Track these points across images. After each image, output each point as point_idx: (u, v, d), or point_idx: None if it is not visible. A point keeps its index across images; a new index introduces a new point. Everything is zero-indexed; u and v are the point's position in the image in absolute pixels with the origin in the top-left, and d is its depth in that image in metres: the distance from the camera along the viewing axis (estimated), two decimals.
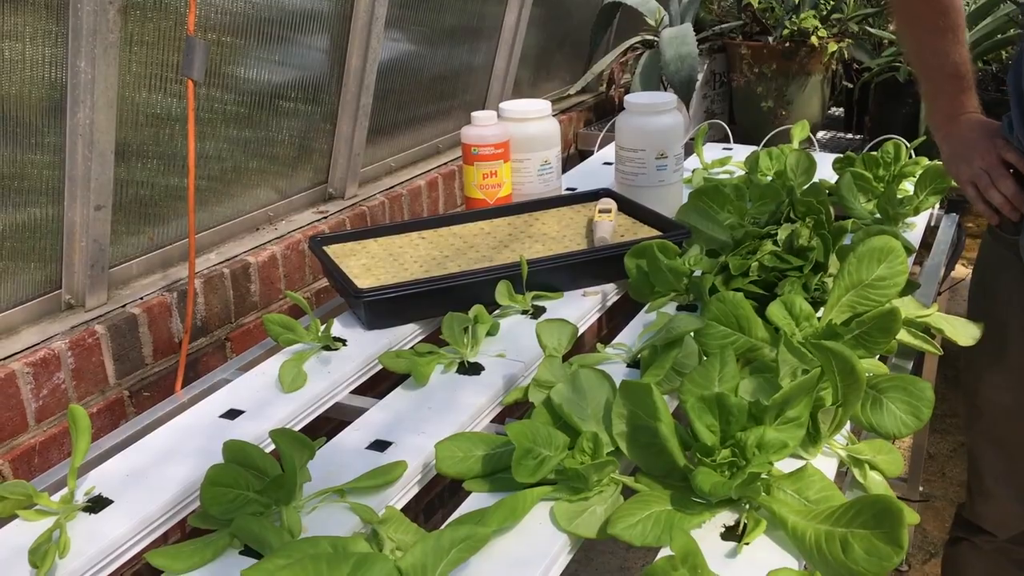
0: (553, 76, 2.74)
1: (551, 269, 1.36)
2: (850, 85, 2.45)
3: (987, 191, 1.27)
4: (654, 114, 1.67)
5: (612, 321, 2.17)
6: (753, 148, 2.13)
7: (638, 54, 2.53)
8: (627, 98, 1.70)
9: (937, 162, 1.83)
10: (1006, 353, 1.31)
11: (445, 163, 2.10)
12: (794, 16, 2.22)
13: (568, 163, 2.51)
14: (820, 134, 2.55)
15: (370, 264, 1.41)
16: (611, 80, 2.61)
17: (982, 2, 2.25)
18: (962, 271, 3.90)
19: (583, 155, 2.57)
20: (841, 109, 2.67)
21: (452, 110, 2.21)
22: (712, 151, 2.15)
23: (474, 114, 1.60)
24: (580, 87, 2.68)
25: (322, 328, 1.24)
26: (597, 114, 2.76)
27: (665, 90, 2.41)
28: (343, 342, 1.25)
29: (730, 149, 2.16)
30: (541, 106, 1.68)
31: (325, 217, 1.75)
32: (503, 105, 1.68)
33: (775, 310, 1.11)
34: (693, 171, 1.95)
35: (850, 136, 2.53)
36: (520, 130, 1.65)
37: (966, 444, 1.52)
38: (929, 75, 1.34)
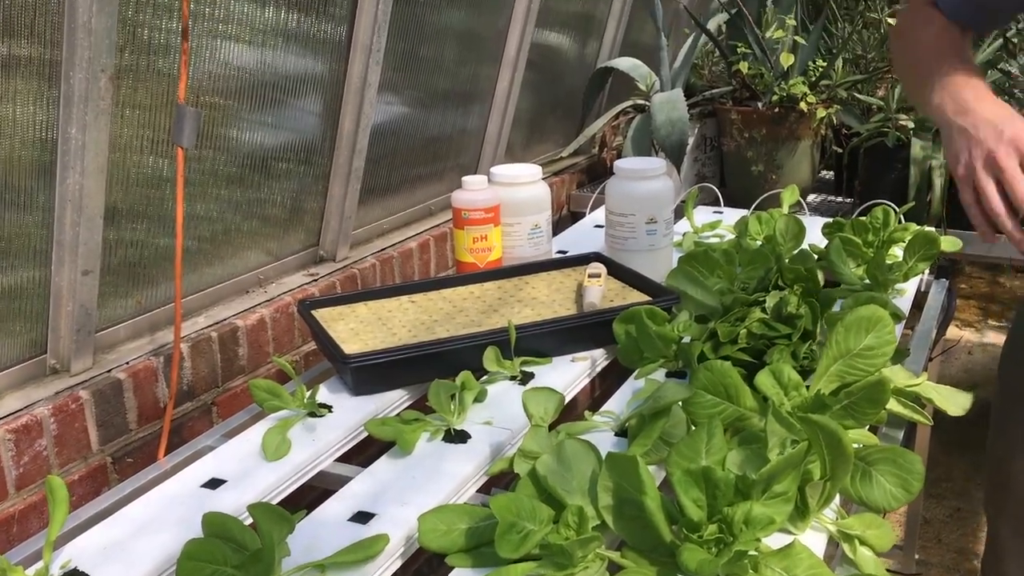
0: (546, 138, 2.77)
1: (540, 334, 1.36)
2: (839, 150, 2.47)
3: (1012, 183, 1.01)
4: (644, 179, 1.68)
5: (606, 382, 2.16)
6: (743, 212, 2.15)
7: (630, 118, 2.56)
8: (617, 163, 1.71)
9: (927, 228, 1.84)
10: None
11: (437, 225, 2.11)
12: (783, 82, 2.26)
13: (561, 224, 2.52)
14: (811, 197, 2.57)
15: (358, 328, 1.40)
16: (603, 143, 2.64)
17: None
18: (955, 332, 3.90)
19: (575, 217, 2.58)
20: (832, 172, 2.69)
21: (445, 172, 2.23)
22: (703, 214, 2.16)
23: (465, 179, 1.61)
24: (572, 150, 2.70)
25: (308, 394, 1.23)
26: (590, 176, 2.78)
27: (656, 154, 2.43)
28: (329, 408, 1.24)
29: (721, 213, 2.18)
30: (531, 171, 1.70)
31: (315, 280, 1.75)
32: (494, 170, 1.70)
33: (763, 379, 1.11)
34: (684, 235, 1.96)
35: (840, 200, 2.55)
36: (511, 194, 1.66)
37: (989, 528, 1.40)
38: (938, 79, 1.16)
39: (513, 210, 1.67)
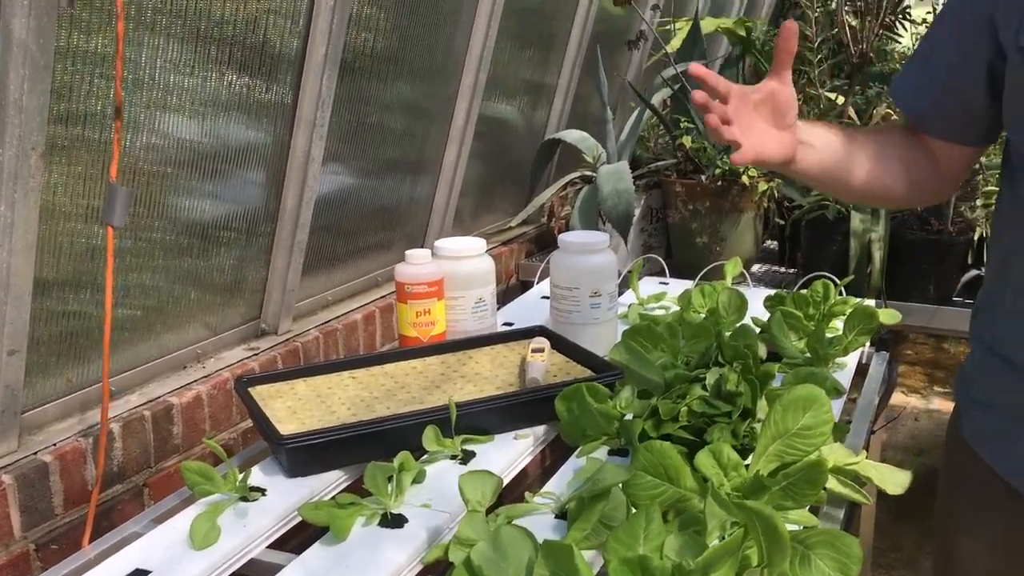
0: (495, 208, 2.78)
1: (482, 412, 1.34)
2: (781, 222, 2.52)
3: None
4: (588, 253, 1.69)
5: (555, 454, 2.14)
6: (689, 283, 2.16)
7: (577, 188, 2.59)
8: (561, 237, 1.72)
9: (867, 301, 1.87)
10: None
11: (383, 296, 2.09)
12: (725, 156, 2.30)
13: (510, 294, 2.52)
14: (755, 267, 2.60)
15: (296, 407, 1.37)
16: (551, 213, 2.66)
17: None
18: (902, 399, 3.96)
19: (525, 286, 2.59)
20: (776, 243, 2.73)
21: (392, 242, 2.22)
22: (649, 285, 2.18)
23: (408, 252, 1.60)
24: (521, 219, 2.72)
25: (240, 477, 1.19)
26: (539, 245, 2.79)
27: (603, 224, 2.46)
28: (262, 491, 1.20)
29: (666, 284, 2.19)
30: (476, 244, 1.70)
31: (256, 354, 1.72)
32: (438, 243, 1.69)
33: (703, 459, 1.10)
34: (629, 306, 1.96)
35: (784, 270, 2.59)
36: (455, 268, 1.66)
37: None
38: None
39: (457, 284, 1.66)
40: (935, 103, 1.20)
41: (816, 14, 2.77)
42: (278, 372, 1.50)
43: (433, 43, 2.13)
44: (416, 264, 1.59)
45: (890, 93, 1.30)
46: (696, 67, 1.09)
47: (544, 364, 1.47)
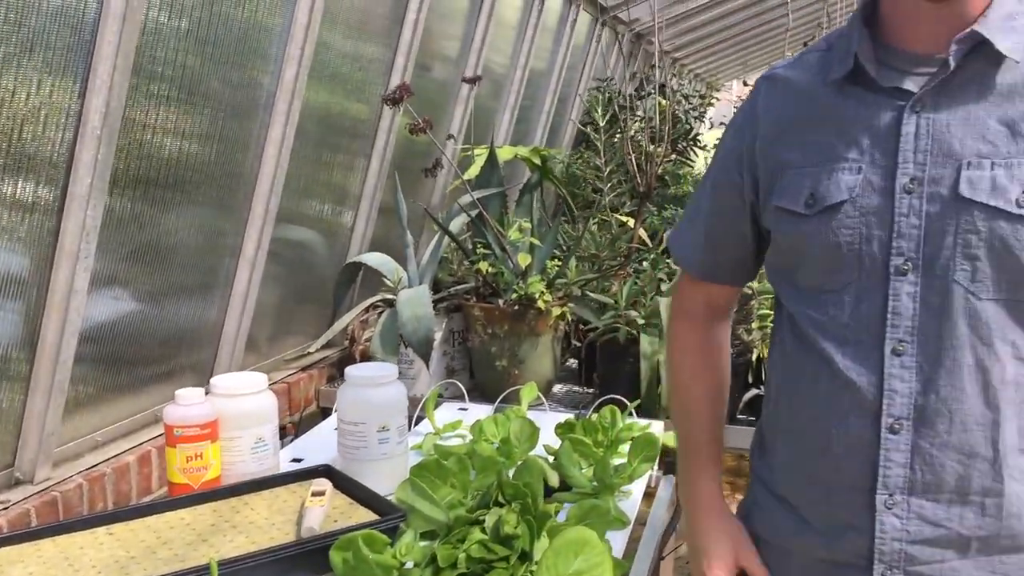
0: (296, 331, 2.70)
1: (249, 568, 1.24)
2: (578, 344, 2.58)
3: None
4: (375, 386, 1.64)
5: None
6: (489, 407, 2.16)
7: (379, 311, 2.56)
8: (347, 370, 1.68)
9: (652, 426, 1.92)
10: None
11: (163, 434, 1.95)
12: (521, 281, 2.34)
13: (309, 422, 2.43)
14: (557, 388, 2.63)
15: (37, 574, 1.23)
16: (353, 338, 2.61)
17: None
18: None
19: (325, 413, 2.50)
20: (577, 362, 2.79)
21: (175, 374, 2.10)
22: (448, 411, 2.15)
23: (178, 392, 1.50)
24: (322, 343, 2.65)
25: None
26: (341, 370, 2.71)
27: (405, 348, 2.43)
28: None
29: (466, 409, 2.17)
30: (256, 380, 1.62)
31: (6, 508, 1.55)
32: (213, 381, 1.60)
33: None
34: (425, 436, 1.92)
35: (584, 390, 2.63)
36: (232, 406, 1.57)
37: None
38: (690, 448, 1.33)
39: (234, 423, 1.57)
40: (708, 255, 1.29)
41: (608, 144, 2.93)
42: (22, 532, 1.35)
43: (220, 168, 2.07)
44: (186, 405, 1.50)
45: (668, 245, 1.38)
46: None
47: (323, 510, 1.40)
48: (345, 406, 1.65)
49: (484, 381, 2.49)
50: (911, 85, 1.06)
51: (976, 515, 1.05)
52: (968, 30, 1.02)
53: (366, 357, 2.52)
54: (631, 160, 2.64)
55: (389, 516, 1.38)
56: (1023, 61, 1.02)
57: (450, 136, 2.75)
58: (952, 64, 1.03)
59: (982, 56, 1.03)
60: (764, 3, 6.59)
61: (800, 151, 1.13)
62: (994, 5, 1.04)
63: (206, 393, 1.55)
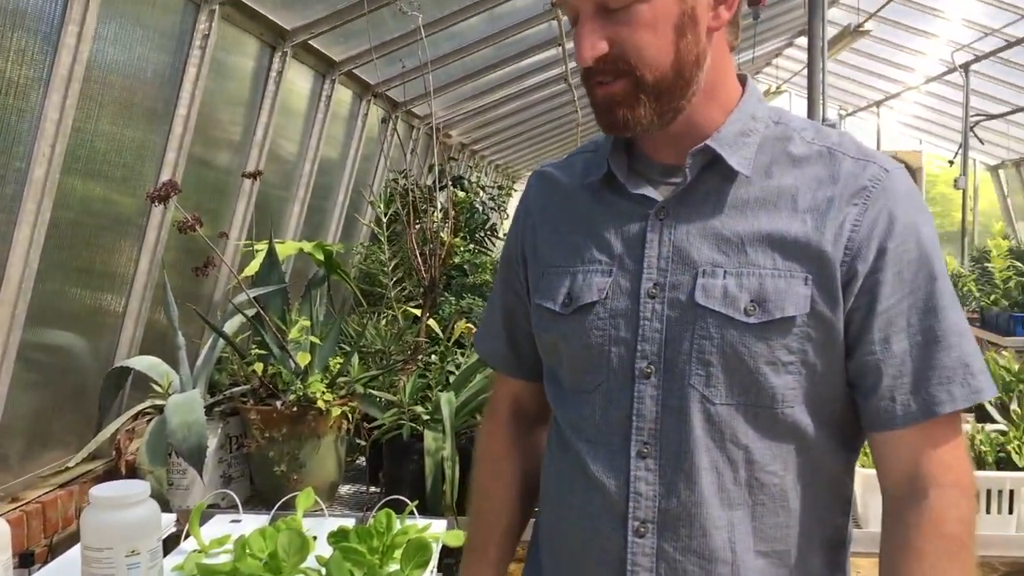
0: (56, 443, 2.48)
1: None
2: (362, 443, 2.51)
3: None
4: (123, 507, 1.52)
5: None
6: (265, 517, 2.04)
7: (149, 418, 2.40)
8: (91, 491, 1.54)
9: (420, 533, 1.87)
10: None
11: None
12: (301, 381, 2.27)
13: (69, 543, 2.21)
14: (344, 489, 2.55)
15: None
16: (119, 448, 2.42)
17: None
18: None
19: None
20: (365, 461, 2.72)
21: None
22: (219, 525, 2.03)
23: None
24: (83, 456, 2.44)
25: None
26: None
27: (175, 458, 2.28)
28: None
29: (239, 521, 2.05)
30: None
31: None
32: None
33: None
34: (188, 555, 1.79)
35: (371, 490, 2.56)
36: None
37: None
38: (473, 554, 1.30)
39: None
40: (508, 350, 1.29)
41: (393, 237, 2.93)
42: None
43: None
44: None
45: (474, 344, 1.38)
46: None
47: None
48: (89, 532, 1.51)
49: (264, 488, 2.37)
50: (658, 194, 1.10)
51: None
52: (702, 145, 1.07)
53: (133, 469, 2.34)
54: (415, 254, 2.65)
55: None
56: (753, 176, 1.08)
57: (222, 234, 2.66)
58: (689, 176, 1.08)
59: (718, 170, 1.08)
60: (556, 99, 6.95)
61: (560, 251, 1.16)
62: (729, 121, 1.09)
63: None
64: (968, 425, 2.43)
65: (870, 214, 1.04)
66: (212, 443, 2.32)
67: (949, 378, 1.03)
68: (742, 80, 1.14)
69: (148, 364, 2.47)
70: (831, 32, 6.87)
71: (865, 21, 6.79)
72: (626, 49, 1.02)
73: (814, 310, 1.03)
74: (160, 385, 2.41)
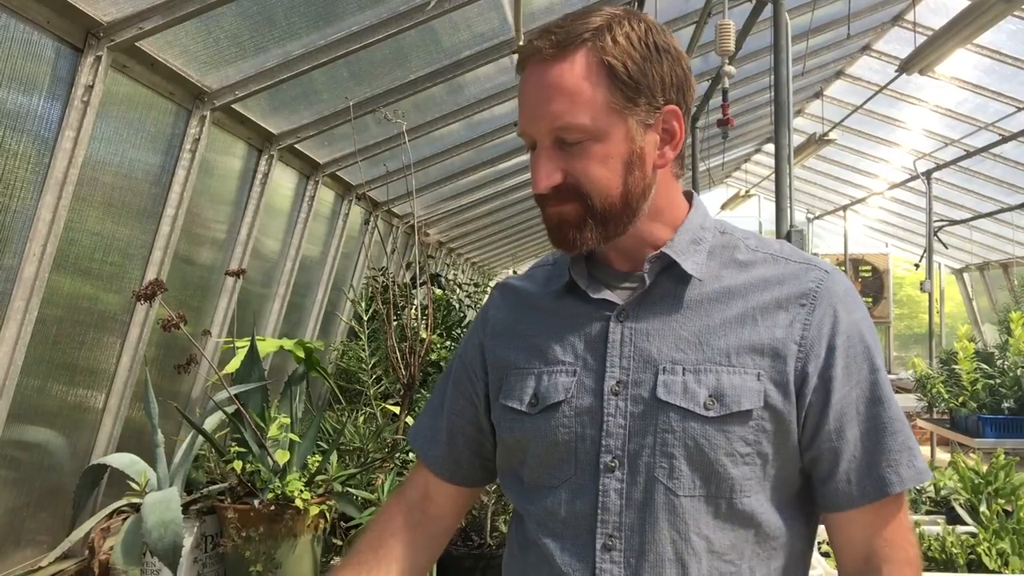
0: (28, 542, 2.45)
1: None
2: (339, 542, 2.50)
3: None
4: None
5: None
6: None
7: (124, 517, 2.38)
8: None
9: None
10: None
11: None
12: (279, 479, 2.27)
13: None
14: None
15: None
16: (93, 548, 2.39)
17: None
18: None
19: None
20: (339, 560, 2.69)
21: None
22: None
23: None
24: (56, 556, 2.40)
25: None
26: None
27: (151, 558, 2.26)
28: None
29: None
30: None
31: None
32: None
33: None
34: None
35: None
36: None
37: None
38: None
39: None
40: (447, 453, 1.30)
41: (373, 335, 2.97)
42: None
43: None
44: None
45: (409, 439, 1.39)
46: None
47: None
48: None
49: None
50: (617, 298, 1.17)
51: None
52: (658, 252, 1.16)
53: (107, 569, 2.31)
54: (394, 353, 2.69)
55: None
56: (706, 280, 1.16)
57: (205, 332, 2.70)
58: (647, 280, 1.15)
59: (672, 274, 1.16)
60: (530, 200, 7.12)
61: (525, 354, 1.22)
62: (682, 230, 1.18)
63: None
64: (939, 527, 2.46)
65: (817, 314, 1.13)
66: (187, 543, 2.30)
67: (897, 460, 1.12)
68: (689, 196, 1.23)
69: (126, 462, 2.46)
70: (797, 140, 7.14)
71: (830, 130, 7.06)
72: (579, 180, 1.12)
73: (767, 403, 1.10)
74: (137, 483, 2.40)
